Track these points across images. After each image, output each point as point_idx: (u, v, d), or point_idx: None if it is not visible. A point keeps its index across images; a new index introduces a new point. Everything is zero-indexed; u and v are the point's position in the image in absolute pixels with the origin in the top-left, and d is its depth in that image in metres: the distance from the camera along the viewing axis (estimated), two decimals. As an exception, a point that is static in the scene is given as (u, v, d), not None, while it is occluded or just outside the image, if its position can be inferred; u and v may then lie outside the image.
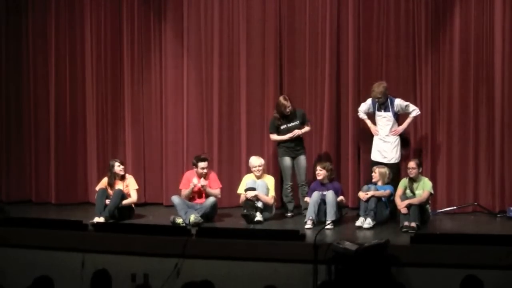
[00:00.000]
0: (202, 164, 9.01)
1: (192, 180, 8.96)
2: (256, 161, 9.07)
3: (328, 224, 8.27)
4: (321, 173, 8.83)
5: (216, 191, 9.05)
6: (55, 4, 10.43)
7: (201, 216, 8.62)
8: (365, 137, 9.45)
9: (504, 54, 9.21)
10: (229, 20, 10.06)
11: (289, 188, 9.32)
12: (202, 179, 8.98)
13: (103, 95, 10.41)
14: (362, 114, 9.28)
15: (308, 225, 8.41)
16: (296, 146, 9.27)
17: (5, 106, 10.62)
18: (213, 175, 9.19)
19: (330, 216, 8.43)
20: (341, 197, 8.73)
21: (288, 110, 9.22)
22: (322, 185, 8.80)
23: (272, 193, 8.97)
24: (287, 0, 9.87)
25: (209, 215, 8.81)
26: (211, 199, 8.85)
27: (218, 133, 10.08)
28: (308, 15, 9.79)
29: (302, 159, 9.28)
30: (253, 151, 9.64)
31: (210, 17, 10.09)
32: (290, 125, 9.26)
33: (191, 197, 9.02)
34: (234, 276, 7.35)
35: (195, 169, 9.05)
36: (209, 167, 9.19)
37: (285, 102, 9.22)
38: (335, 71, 9.71)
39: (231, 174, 9.99)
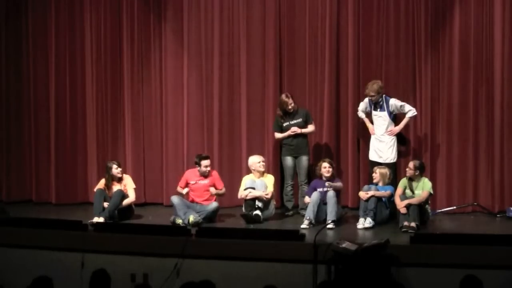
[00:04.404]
0: (205, 162, 9.01)
1: (183, 190, 9.00)
2: (256, 158, 9.08)
3: (329, 223, 8.28)
4: (330, 170, 8.81)
5: (223, 190, 9.14)
6: (55, 4, 10.43)
7: (202, 219, 8.62)
8: (365, 137, 9.45)
9: (504, 54, 9.21)
10: (229, 20, 10.06)
11: (289, 187, 9.34)
12: (212, 188, 9.00)
13: (103, 95, 10.41)
14: (361, 113, 9.29)
15: (305, 225, 8.38)
16: (298, 145, 9.28)
17: (5, 106, 10.63)
18: (216, 174, 9.21)
19: (332, 215, 8.42)
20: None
21: (290, 107, 9.25)
22: (328, 181, 8.76)
23: (270, 189, 8.95)
24: (287, 0, 9.88)
25: (209, 217, 8.80)
26: (214, 204, 8.86)
27: (218, 133, 10.08)
28: (308, 15, 9.80)
29: (304, 159, 9.28)
30: (253, 151, 9.64)
31: (210, 17, 10.10)
32: (292, 122, 9.27)
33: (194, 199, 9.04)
34: (234, 276, 7.34)
35: (198, 168, 9.05)
36: (211, 166, 9.20)
37: (286, 100, 9.25)
38: (335, 71, 9.71)
39: (231, 173, 9.98)
